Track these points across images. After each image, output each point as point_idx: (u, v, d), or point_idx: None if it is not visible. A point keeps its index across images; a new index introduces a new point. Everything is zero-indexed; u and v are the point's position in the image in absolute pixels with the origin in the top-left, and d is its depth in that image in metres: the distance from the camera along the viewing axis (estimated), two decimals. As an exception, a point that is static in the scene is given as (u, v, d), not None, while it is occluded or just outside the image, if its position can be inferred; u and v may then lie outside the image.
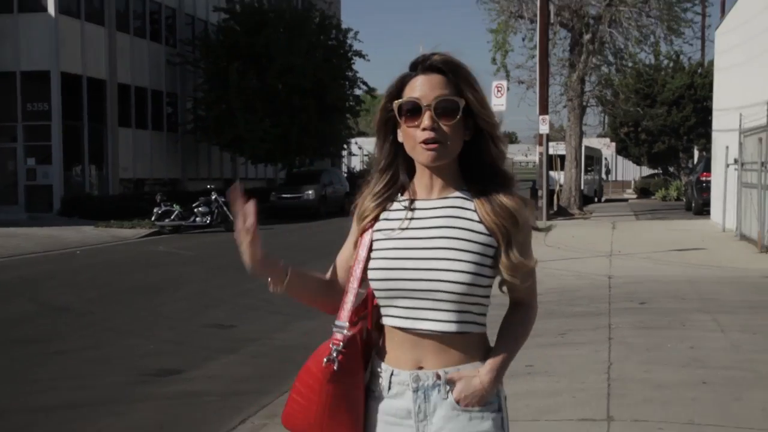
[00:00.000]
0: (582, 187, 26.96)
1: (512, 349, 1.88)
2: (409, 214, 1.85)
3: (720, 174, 18.46)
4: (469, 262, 1.77)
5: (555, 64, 24.59)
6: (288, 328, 8.07)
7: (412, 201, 1.87)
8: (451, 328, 1.79)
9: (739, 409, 4.66)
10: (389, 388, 1.85)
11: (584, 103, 25.37)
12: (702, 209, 22.09)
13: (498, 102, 13.59)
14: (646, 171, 42.86)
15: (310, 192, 26.27)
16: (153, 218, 20.54)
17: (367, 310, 1.90)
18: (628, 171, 48.88)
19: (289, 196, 26.33)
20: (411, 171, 1.90)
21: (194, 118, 29.58)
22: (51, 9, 23.71)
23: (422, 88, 1.78)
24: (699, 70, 34.31)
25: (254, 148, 28.16)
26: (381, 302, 1.85)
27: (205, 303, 9.57)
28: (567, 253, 13.10)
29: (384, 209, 1.89)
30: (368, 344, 1.89)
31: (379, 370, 1.87)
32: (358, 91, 31.84)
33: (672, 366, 5.61)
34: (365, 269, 1.85)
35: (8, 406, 5.48)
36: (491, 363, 1.83)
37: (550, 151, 23.55)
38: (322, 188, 26.94)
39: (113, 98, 26.50)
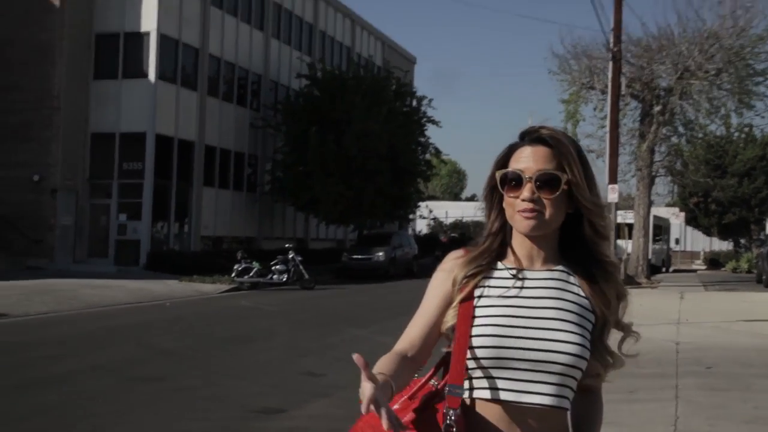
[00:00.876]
0: (650, 257, 27.11)
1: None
2: (518, 283, 1.82)
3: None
4: (579, 334, 1.76)
5: (625, 134, 25.16)
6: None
7: (519, 270, 1.84)
8: (557, 402, 1.75)
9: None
10: None
11: (653, 173, 25.74)
12: (774, 281, 22.02)
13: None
14: (716, 242, 42.43)
15: (380, 254, 27.13)
16: (233, 275, 21.66)
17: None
18: (698, 242, 48.39)
19: (360, 257, 27.23)
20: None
21: (272, 179, 31.06)
22: (152, 75, 25.62)
23: (527, 160, 1.79)
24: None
25: (329, 210, 29.33)
26: (480, 373, 1.76)
27: (296, 353, 10.38)
28: (635, 320, 13.41)
29: (484, 277, 1.84)
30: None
31: None
32: (428, 156, 32.92)
33: (735, 422, 6.10)
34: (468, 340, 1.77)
35: (146, 430, 6.32)
36: None
37: (618, 220, 23.94)
38: (392, 250, 27.79)
39: (200, 159, 28.16)
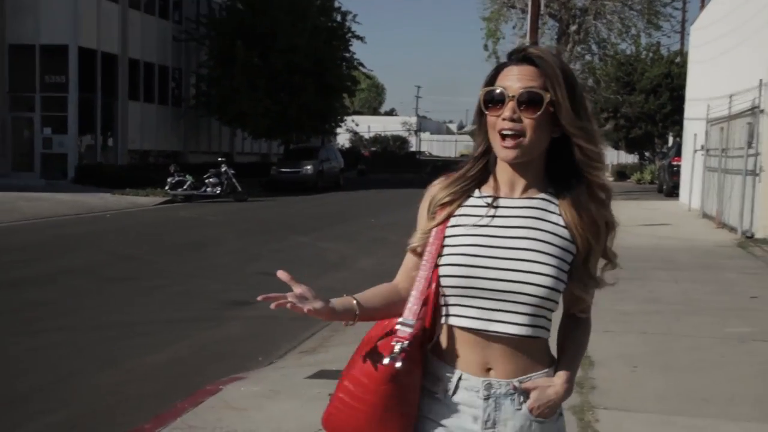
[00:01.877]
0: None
1: (579, 360, 1.86)
2: (491, 211, 1.77)
3: (688, 159, 20.40)
4: (553, 266, 1.72)
5: (542, 53, 26.29)
6: (323, 275, 9.83)
7: (494, 198, 1.79)
8: (527, 332, 1.72)
9: (678, 326, 6.51)
10: (455, 392, 1.76)
11: (569, 90, 27.10)
12: (672, 191, 23.98)
13: None
14: (623, 155, 44.83)
15: (308, 167, 27.82)
16: (167, 187, 22.08)
17: (427, 307, 1.77)
18: (607, 155, 50.84)
19: (289, 170, 27.85)
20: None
21: (197, 93, 31.07)
22: (71, -16, 25.00)
23: (511, 79, 1.73)
24: (677, 59, 36.17)
25: (256, 124, 29.71)
26: (450, 300, 1.75)
27: (247, 256, 11.29)
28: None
29: (461, 204, 1.81)
30: (423, 343, 1.77)
31: (442, 372, 1.78)
32: (354, 72, 33.42)
33: (635, 301, 7.45)
34: (436, 264, 1.76)
35: (138, 320, 7.20)
36: (565, 373, 1.78)
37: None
38: (320, 164, 28.51)
39: (124, 72, 27.90)
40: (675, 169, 23.86)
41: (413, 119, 70.92)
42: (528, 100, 1.70)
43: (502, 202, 1.78)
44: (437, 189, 1.83)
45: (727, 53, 15.98)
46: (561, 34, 26.07)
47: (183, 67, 32.19)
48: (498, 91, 1.72)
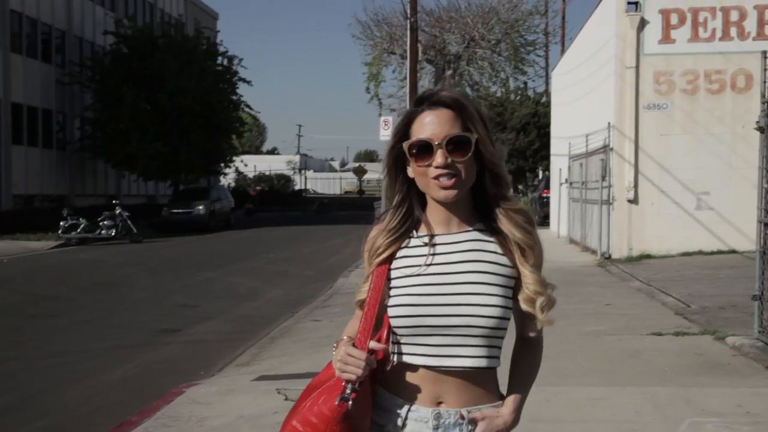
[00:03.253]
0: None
1: (529, 388, 1.88)
2: (431, 250, 1.80)
3: (556, 191, 22.59)
4: (499, 296, 1.76)
5: (421, 95, 28.23)
6: (237, 306, 10.80)
7: (431, 236, 1.82)
8: (480, 363, 1.76)
9: (550, 328, 7.96)
10: (404, 425, 1.79)
11: (446, 129, 29.15)
12: (543, 221, 26.11)
13: (384, 134, 16.55)
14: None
15: (200, 207, 28.31)
16: (60, 231, 22.17)
17: (379, 337, 1.80)
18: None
19: (180, 211, 28.23)
20: (423, 205, 1.85)
21: (82, 136, 31.05)
22: (-47, 32, 24.79)
23: (432, 126, 1.75)
24: (543, 99, 39.21)
25: (145, 166, 30.01)
26: (402, 339, 1.78)
27: (163, 292, 12.06)
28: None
29: (400, 247, 1.83)
30: (372, 381, 1.80)
31: (392, 404, 1.81)
32: (242, 113, 34.32)
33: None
34: (381, 301, 1.80)
35: (80, 348, 7.96)
36: (513, 403, 1.82)
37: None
38: (211, 203, 29.05)
39: (7, 117, 27.67)
40: (545, 200, 26.05)
41: (296, 158, 72.07)
42: (457, 145, 1.74)
43: (439, 239, 1.81)
44: (373, 239, 1.86)
45: (583, 98, 18.15)
46: (438, 78, 28.10)
47: (67, 111, 32.08)
48: (425, 140, 1.74)
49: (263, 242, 22.56)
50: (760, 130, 6.84)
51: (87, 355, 7.64)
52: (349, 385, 1.70)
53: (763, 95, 6.81)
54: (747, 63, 13.79)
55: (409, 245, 1.84)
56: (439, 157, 1.73)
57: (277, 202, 46.86)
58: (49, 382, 6.60)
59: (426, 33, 26.78)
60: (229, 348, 7.99)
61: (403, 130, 1.81)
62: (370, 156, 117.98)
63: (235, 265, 16.01)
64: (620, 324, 8.15)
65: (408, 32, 24.68)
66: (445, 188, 1.75)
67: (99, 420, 5.48)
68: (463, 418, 1.78)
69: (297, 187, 61.06)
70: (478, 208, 1.85)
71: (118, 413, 5.50)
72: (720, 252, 14.18)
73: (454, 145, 1.74)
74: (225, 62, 32.82)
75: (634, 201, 14.74)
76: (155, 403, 5.53)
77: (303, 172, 68.91)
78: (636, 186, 14.66)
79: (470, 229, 1.83)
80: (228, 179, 54.13)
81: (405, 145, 1.77)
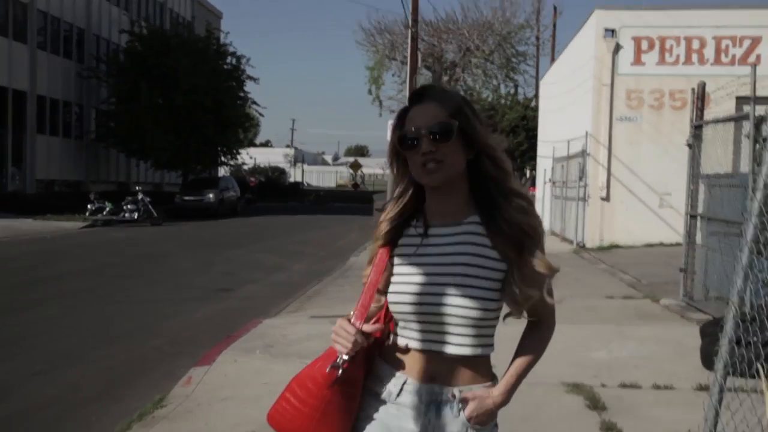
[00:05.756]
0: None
1: (525, 371, 1.95)
2: (424, 241, 1.91)
3: (541, 189, 24.89)
4: (484, 288, 1.83)
5: (419, 98, 30.48)
6: (270, 275, 12.99)
7: (426, 228, 1.92)
8: (467, 351, 1.85)
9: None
10: (398, 395, 1.90)
11: (441, 130, 31.43)
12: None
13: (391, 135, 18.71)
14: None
15: (211, 195, 30.45)
16: (87, 213, 24.28)
17: (378, 317, 1.92)
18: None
19: (192, 198, 30.37)
20: (424, 198, 1.95)
21: (97, 127, 33.16)
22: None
23: (418, 118, 1.87)
24: (532, 104, 41.51)
25: (158, 156, 32.13)
26: (399, 323, 1.91)
27: (203, 264, 14.21)
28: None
29: (401, 234, 1.95)
30: (371, 349, 1.91)
31: (389, 375, 1.92)
32: (248, 109, 36.51)
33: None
34: (379, 281, 1.91)
35: (168, 297, 10.14)
36: (505, 385, 1.91)
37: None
38: (221, 192, 31.20)
39: (33, 108, 29.71)
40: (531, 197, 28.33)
41: (292, 151, 74.20)
42: (440, 131, 1.83)
43: (433, 231, 1.92)
44: (379, 228, 1.97)
45: (565, 108, 20.43)
46: (434, 83, 30.30)
47: (84, 103, 34.13)
48: (411, 131, 1.86)
49: (272, 228, 24.70)
50: (689, 146, 9.10)
51: (166, 304, 9.80)
52: (341, 356, 1.84)
53: (692, 120, 9.07)
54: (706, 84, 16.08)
55: (408, 234, 1.95)
56: (424, 145, 1.84)
57: (274, 193, 48.91)
58: (149, 318, 8.78)
59: (425, 42, 28.99)
60: (277, 301, 10.15)
61: (398, 126, 1.93)
62: (361, 150, 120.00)
63: (255, 246, 18.16)
64: (583, 291, 10.39)
65: (409, 41, 26.95)
66: (430, 173, 1.85)
67: (200, 340, 7.63)
68: (454, 396, 1.88)
69: (291, 180, 63.14)
70: (476, 199, 1.92)
71: (211, 336, 7.67)
72: (678, 244, 16.39)
73: (437, 132, 1.84)
74: (234, 61, 34.93)
75: (606, 199, 17.05)
76: (244, 327, 7.73)
77: (300, 164, 71.11)
78: (608, 186, 16.96)
79: (465, 221, 1.91)
80: (224, 170, 56.26)
81: (395, 138, 1.91)
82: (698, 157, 8.94)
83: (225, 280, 12.21)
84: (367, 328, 1.87)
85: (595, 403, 5.06)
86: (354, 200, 42.81)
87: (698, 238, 9.08)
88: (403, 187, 1.96)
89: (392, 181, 2.01)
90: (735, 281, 3.31)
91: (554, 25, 32.24)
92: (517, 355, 1.96)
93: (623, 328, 7.69)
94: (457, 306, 1.83)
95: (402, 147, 1.89)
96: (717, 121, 8.58)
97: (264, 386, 5.49)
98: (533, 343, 1.98)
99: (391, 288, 1.91)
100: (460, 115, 1.87)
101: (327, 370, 1.84)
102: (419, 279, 1.88)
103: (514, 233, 1.85)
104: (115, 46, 35.41)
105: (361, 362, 1.89)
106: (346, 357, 1.83)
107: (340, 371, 1.82)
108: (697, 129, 8.98)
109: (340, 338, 1.85)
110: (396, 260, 1.93)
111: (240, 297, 10.60)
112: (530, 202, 1.92)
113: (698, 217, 9.01)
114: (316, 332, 7.38)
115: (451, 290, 1.84)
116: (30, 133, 29.58)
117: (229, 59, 34.66)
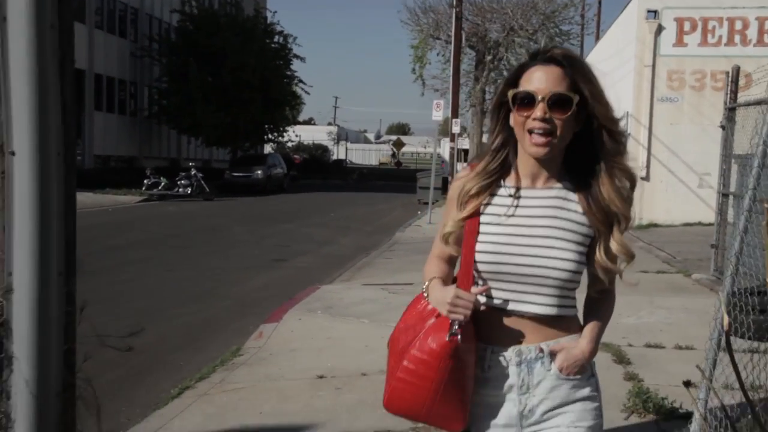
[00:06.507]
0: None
1: (604, 324, 2.00)
2: (515, 202, 1.92)
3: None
4: (573, 251, 1.87)
5: (462, 77, 30.86)
6: (321, 248, 13.77)
7: (517, 189, 1.93)
8: (552, 311, 1.90)
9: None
10: (488, 366, 1.93)
11: (484, 109, 31.80)
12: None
13: (437, 114, 19.17)
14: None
15: (259, 172, 31.40)
16: (143, 188, 25.39)
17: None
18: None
19: (241, 174, 31.36)
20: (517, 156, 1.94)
21: (149, 104, 34.29)
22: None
23: (539, 80, 1.83)
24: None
25: (208, 134, 33.18)
26: (486, 284, 1.92)
27: (257, 236, 15.06)
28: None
29: (489, 194, 1.94)
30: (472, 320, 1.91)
31: (477, 349, 1.93)
32: (294, 88, 37.32)
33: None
34: (474, 247, 1.91)
35: (232, 266, 10.99)
36: (590, 333, 1.95)
37: (458, 146, 29.91)
38: (268, 169, 32.13)
39: (91, 86, 30.92)
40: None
41: (335, 128, 75.07)
42: (558, 102, 1.82)
43: (524, 192, 1.93)
44: (464, 181, 1.98)
45: (608, 88, 20.69)
46: (478, 62, 30.67)
47: (138, 81, 35.29)
48: (528, 92, 1.84)
49: (318, 204, 25.52)
50: (722, 128, 9.57)
51: (228, 272, 10.62)
52: (456, 323, 1.84)
53: (725, 103, 9.51)
54: (747, 65, 16.34)
55: (497, 194, 1.95)
56: (538, 111, 1.82)
57: (318, 171, 49.83)
58: (215, 283, 9.61)
59: (469, 21, 29.33)
60: (329, 270, 10.91)
61: (512, 80, 1.89)
62: (402, 129, 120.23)
63: (303, 221, 18.98)
64: (618, 266, 10.92)
65: (453, 20, 27.38)
66: (537, 145, 1.85)
67: (264, 302, 8.42)
68: (542, 351, 1.91)
69: (334, 157, 64.01)
70: (571, 163, 1.92)
71: (273, 300, 8.44)
72: (716, 224, 16.86)
73: (555, 101, 1.82)
74: (280, 40, 35.71)
75: (646, 178, 17.44)
76: (304, 291, 8.50)
77: (343, 142, 72.00)
78: (648, 166, 17.35)
79: (556, 186, 1.92)
80: (270, 147, 57.38)
81: (510, 93, 1.87)
82: (731, 139, 9.39)
83: (279, 251, 13.02)
84: (475, 290, 1.91)
85: (621, 358, 5.69)
86: (396, 178, 43.49)
87: (729, 216, 9.55)
88: (501, 141, 1.96)
89: (489, 133, 2.03)
90: (733, 245, 3.90)
91: (600, 3, 32.34)
92: (591, 312, 2.02)
93: (654, 298, 8.26)
94: (544, 267, 1.87)
95: (514, 105, 1.88)
96: (748, 104, 9.02)
97: (327, 340, 6.24)
98: (605, 305, 2.04)
99: (481, 247, 1.92)
100: (586, 85, 1.87)
101: (446, 338, 1.84)
102: (510, 239, 1.90)
103: (609, 211, 1.89)
104: (167, 25, 36.49)
105: (471, 329, 1.91)
106: (458, 325, 1.85)
107: (459, 338, 1.84)
108: (730, 111, 9.43)
109: (459, 308, 1.86)
110: (484, 219, 1.95)
111: (294, 267, 11.39)
112: (634, 185, 1.96)
113: (730, 196, 9.49)
114: (370, 296, 8.11)
115: (542, 251, 1.88)
116: (88, 110, 30.82)
117: (276, 38, 35.46)
